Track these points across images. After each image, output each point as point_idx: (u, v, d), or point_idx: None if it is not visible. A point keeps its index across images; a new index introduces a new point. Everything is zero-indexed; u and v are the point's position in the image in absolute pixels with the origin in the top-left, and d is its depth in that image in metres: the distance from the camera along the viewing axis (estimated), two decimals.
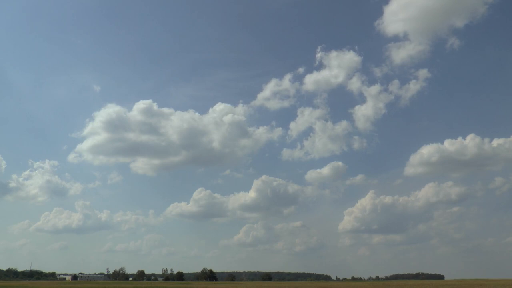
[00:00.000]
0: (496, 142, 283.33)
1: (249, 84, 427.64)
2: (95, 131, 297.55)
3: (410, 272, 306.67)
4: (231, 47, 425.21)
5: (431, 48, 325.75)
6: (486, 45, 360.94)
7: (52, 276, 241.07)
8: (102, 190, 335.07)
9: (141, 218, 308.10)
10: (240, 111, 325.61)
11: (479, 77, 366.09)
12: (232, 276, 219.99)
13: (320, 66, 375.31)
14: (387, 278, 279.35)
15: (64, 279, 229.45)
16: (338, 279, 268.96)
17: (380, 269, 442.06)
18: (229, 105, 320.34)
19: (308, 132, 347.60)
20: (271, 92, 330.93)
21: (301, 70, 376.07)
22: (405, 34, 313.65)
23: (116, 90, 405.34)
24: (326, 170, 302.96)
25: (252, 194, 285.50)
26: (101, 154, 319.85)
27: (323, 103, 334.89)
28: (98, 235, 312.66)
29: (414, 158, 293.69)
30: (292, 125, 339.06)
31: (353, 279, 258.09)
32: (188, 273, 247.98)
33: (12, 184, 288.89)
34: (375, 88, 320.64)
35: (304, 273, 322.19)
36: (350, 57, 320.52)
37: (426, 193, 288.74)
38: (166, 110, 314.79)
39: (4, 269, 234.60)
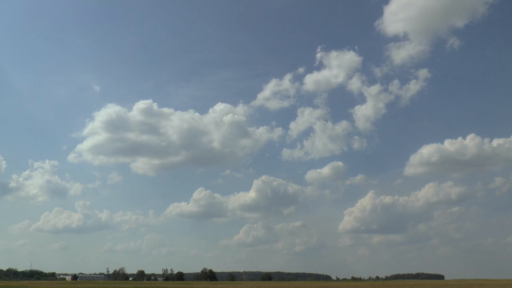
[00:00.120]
0: (496, 142, 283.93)
1: (249, 84, 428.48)
2: (95, 131, 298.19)
3: (410, 272, 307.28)
4: (231, 47, 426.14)
5: (431, 48, 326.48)
6: (486, 45, 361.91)
7: (52, 276, 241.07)
8: (102, 190, 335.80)
9: (141, 218, 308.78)
10: (240, 111, 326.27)
11: (479, 77, 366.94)
12: (232, 276, 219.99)
13: (320, 66, 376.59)
14: (387, 278, 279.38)
15: (64, 279, 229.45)
16: (338, 279, 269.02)
17: (380, 269, 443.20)
18: (229, 105, 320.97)
19: (308, 132, 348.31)
20: (271, 92, 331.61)
21: (301, 70, 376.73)
22: (405, 34, 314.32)
23: (116, 90, 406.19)
24: (326, 170, 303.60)
25: (252, 194, 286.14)
26: (101, 154, 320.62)
27: (323, 103, 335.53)
28: (98, 235, 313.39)
29: (414, 158, 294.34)
30: (292, 125, 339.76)
31: (353, 279, 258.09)
32: (188, 273, 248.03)
33: (12, 184, 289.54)
34: (375, 88, 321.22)
35: (304, 273, 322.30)
36: (350, 57, 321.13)
37: (426, 193, 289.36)
38: (166, 110, 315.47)
39: (4, 269, 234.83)
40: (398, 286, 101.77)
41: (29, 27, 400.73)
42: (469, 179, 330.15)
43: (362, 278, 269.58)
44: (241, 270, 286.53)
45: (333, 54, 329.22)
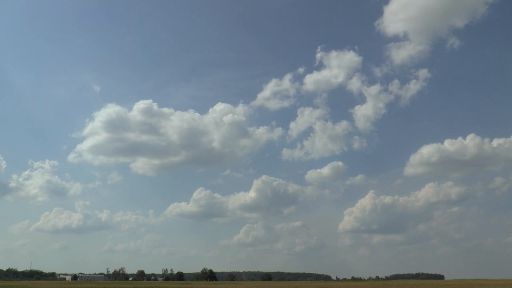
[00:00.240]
0: (496, 142, 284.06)
1: (249, 84, 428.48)
2: (95, 131, 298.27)
3: (410, 272, 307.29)
4: (231, 47, 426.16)
5: (431, 48, 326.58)
6: (486, 45, 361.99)
7: (52, 276, 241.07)
8: (102, 190, 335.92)
9: (141, 218, 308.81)
10: (240, 111, 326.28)
11: (479, 77, 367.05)
12: (232, 276, 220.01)
13: (320, 66, 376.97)
14: (387, 278, 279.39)
15: (64, 279, 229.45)
16: (338, 279, 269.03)
17: (380, 269, 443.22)
18: (229, 105, 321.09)
19: (308, 132, 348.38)
20: (271, 92, 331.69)
21: (301, 70, 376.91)
22: (405, 34, 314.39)
23: (116, 90, 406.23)
24: (326, 170, 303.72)
25: (252, 194, 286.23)
26: (101, 154, 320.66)
27: (323, 103, 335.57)
28: (98, 235, 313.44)
29: (414, 158, 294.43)
30: (292, 125, 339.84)
31: (353, 279, 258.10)
32: (188, 273, 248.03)
33: (12, 184, 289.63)
34: (375, 88, 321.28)
35: (304, 273, 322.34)
36: (350, 57, 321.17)
37: (426, 193, 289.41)
38: (166, 110, 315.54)
39: (4, 269, 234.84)
40: (398, 286, 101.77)
41: (29, 27, 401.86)
42: (469, 179, 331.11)
43: (362, 278, 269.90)
44: (241, 270, 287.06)
45: (333, 54, 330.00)
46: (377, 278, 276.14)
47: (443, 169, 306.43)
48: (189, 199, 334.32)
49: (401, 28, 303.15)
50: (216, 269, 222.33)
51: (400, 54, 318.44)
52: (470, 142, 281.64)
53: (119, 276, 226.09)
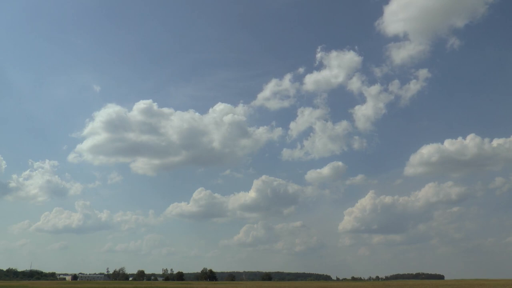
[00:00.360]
0: (496, 142, 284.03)
1: (249, 84, 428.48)
2: (95, 131, 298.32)
3: (410, 272, 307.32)
4: (231, 47, 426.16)
5: (431, 48, 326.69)
6: (486, 45, 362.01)
7: (52, 276, 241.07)
8: (102, 190, 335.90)
9: (141, 218, 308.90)
10: (240, 111, 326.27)
11: (479, 77, 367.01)
12: (232, 276, 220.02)
13: (320, 66, 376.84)
14: (387, 278, 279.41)
15: (64, 279, 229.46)
16: (338, 279, 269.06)
17: (380, 269, 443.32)
18: (229, 105, 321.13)
19: (308, 132, 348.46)
20: (271, 92, 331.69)
21: (301, 70, 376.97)
22: (405, 34, 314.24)
23: (116, 90, 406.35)
24: (326, 170, 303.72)
25: (252, 194, 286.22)
26: (101, 154, 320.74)
27: (323, 103, 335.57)
28: (98, 235, 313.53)
29: (414, 158, 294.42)
30: (292, 125, 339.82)
31: (353, 279, 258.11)
32: (188, 273, 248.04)
33: (12, 184, 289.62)
34: (375, 88, 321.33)
35: (304, 273, 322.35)
36: (350, 57, 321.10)
37: (426, 193, 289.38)
38: (166, 110, 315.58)
39: (4, 269, 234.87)
40: (398, 286, 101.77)
41: (29, 27, 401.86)
42: (469, 179, 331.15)
43: (362, 278, 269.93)
44: (241, 270, 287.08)
45: (333, 54, 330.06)
46: (377, 278, 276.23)
47: (443, 169, 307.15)
48: (189, 199, 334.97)
49: (401, 28, 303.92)
50: (216, 269, 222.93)
51: (400, 54, 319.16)
52: (470, 142, 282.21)
53: (119, 276, 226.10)
